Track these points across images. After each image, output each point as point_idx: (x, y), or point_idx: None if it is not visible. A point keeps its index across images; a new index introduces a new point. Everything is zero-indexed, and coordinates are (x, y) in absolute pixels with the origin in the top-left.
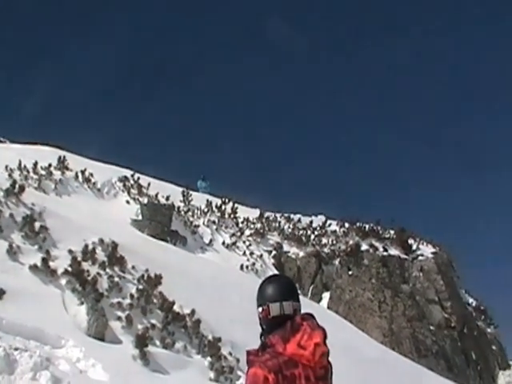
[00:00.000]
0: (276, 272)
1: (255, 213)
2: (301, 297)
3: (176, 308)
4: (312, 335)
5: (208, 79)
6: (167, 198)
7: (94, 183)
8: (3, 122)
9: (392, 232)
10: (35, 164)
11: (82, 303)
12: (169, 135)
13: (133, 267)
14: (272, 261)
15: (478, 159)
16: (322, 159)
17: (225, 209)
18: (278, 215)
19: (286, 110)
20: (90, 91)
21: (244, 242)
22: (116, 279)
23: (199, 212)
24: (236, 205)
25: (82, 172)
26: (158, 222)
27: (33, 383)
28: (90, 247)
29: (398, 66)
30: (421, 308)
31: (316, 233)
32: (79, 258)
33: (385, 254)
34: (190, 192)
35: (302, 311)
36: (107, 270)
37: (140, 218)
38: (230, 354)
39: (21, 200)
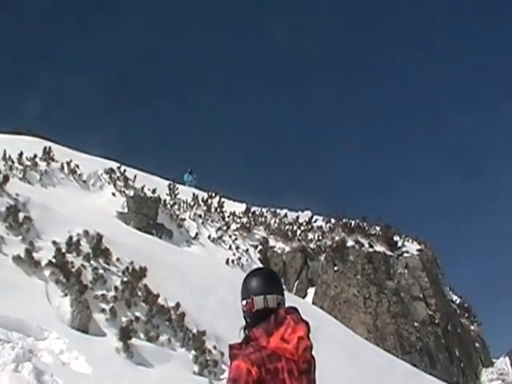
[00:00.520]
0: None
1: (241, 207)
2: (286, 292)
3: (160, 301)
4: (295, 329)
5: (207, 80)
6: (153, 191)
7: (80, 175)
8: (3, 122)
9: (378, 228)
10: (20, 154)
11: (65, 295)
12: (157, 129)
13: (117, 259)
14: (258, 255)
15: (465, 157)
16: (310, 155)
17: (211, 203)
18: (264, 210)
19: (277, 108)
20: (89, 92)
21: (230, 237)
22: (100, 271)
23: (185, 205)
24: (222, 199)
25: (68, 163)
26: (144, 214)
27: (15, 375)
28: (75, 239)
29: (398, 66)
30: (405, 305)
31: (302, 228)
32: (63, 250)
33: (370, 250)
34: (177, 185)
35: (287, 306)
36: (92, 261)
37: (126, 210)
38: (215, 347)
39: (5, 190)
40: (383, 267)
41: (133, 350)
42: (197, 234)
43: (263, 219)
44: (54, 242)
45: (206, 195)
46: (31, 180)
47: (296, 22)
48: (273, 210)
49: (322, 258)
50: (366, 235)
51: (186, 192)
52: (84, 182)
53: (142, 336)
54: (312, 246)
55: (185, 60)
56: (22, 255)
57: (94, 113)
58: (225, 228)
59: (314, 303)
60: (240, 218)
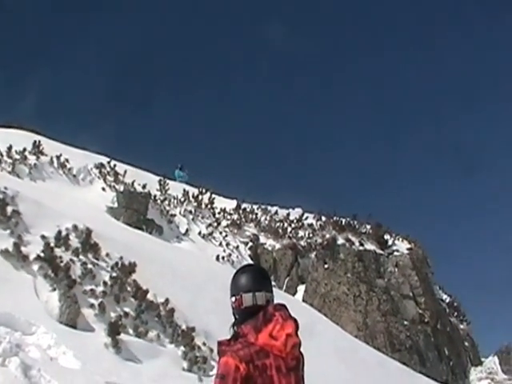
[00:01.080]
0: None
1: (232, 204)
2: (276, 289)
3: (150, 296)
4: (284, 326)
5: (204, 79)
6: (144, 187)
7: (70, 169)
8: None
9: (368, 227)
10: (9, 148)
11: (54, 289)
12: (152, 126)
13: (107, 254)
14: (248, 252)
15: (458, 156)
16: (301, 153)
17: (202, 199)
18: (255, 207)
19: (269, 106)
20: (87, 89)
21: (220, 233)
22: (89, 266)
23: (176, 201)
24: (213, 195)
25: (58, 157)
26: (134, 210)
27: (2, 369)
28: (64, 233)
29: (398, 67)
30: (395, 303)
31: (293, 225)
32: (52, 244)
33: (361, 248)
34: (167, 181)
35: (275, 303)
36: (80, 256)
37: (116, 205)
38: (204, 343)
39: None
40: (373, 265)
41: (121, 345)
42: (187, 230)
43: (254, 216)
44: (43, 237)
45: (196, 191)
46: (20, 174)
47: (295, 22)
48: (263, 206)
49: (313, 255)
50: (357, 233)
51: (176, 188)
52: (74, 176)
53: (130, 332)
54: (302, 243)
55: (183, 60)
56: (10, 249)
57: (91, 110)
58: (215, 224)
59: (304, 300)
60: (230, 214)
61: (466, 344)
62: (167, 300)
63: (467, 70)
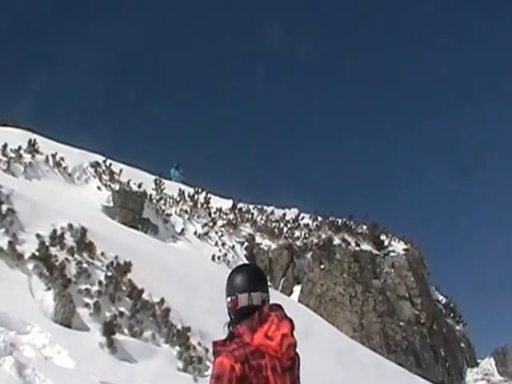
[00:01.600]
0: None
1: (228, 203)
2: (271, 289)
3: (145, 296)
4: (279, 326)
5: (202, 79)
6: (139, 186)
7: (65, 168)
8: None
9: (364, 227)
10: (4, 146)
11: (48, 289)
12: (149, 126)
13: (102, 254)
14: (244, 252)
15: (454, 157)
16: (298, 153)
17: (197, 198)
18: (251, 206)
19: (266, 106)
20: (85, 88)
21: (216, 233)
22: (84, 265)
23: (171, 201)
24: (209, 195)
25: (53, 156)
26: (130, 209)
27: None
28: (59, 232)
29: (397, 67)
30: (391, 304)
31: (289, 225)
32: (47, 243)
33: (357, 248)
34: (163, 180)
35: (271, 303)
36: (76, 255)
37: (111, 204)
38: (199, 343)
39: None
40: (369, 266)
41: (116, 345)
42: (183, 229)
43: (250, 216)
44: (38, 235)
45: (192, 191)
46: (15, 172)
47: (294, 23)
48: (259, 206)
49: (309, 255)
50: (353, 234)
51: (172, 187)
52: (69, 175)
53: (125, 331)
54: (298, 243)
55: (181, 60)
56: (5, 248)
57: (88, 109)
58: (211, 224)
59: (299, 301)
60: (226, 214)
61: (462, 345)
62: (162, 300)
63: (467, 70)
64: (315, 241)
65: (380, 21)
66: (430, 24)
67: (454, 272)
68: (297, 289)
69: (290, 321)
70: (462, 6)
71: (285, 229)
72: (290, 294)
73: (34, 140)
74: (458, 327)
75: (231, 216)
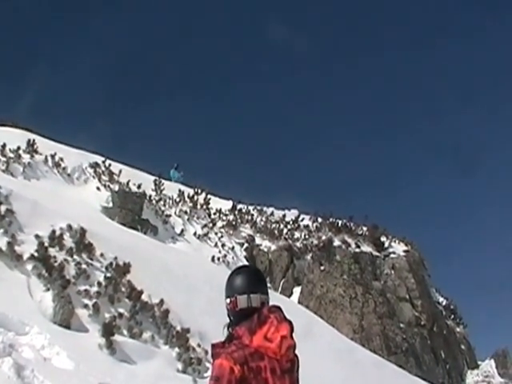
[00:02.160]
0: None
1: (228, 204)
2: (271, 291)
3: (144, 297)
4: (279, 328)
5: (205, 80)
6: (139, 186)
7: (64, 168)
8: None
9: (365, 229)
10: (3, 146)
11: (47, 289)
12: (148, 126)
13: (101, 255)
14: (244, 253)
15: (455, 157)
16: (298, 153)
17: (197, 199)
18: (250, 208)
19: (266, 106)
20: (84, 88)
21: (216, 234)
22: (83, 266)
23: (171, 201)
24: (209, 196)
25: (52, 156)
26: (129, 209)
27: None
28: (58, 233)
29: (397, 67)
30: (391, 305)
31: (289, 227)
32: (46, 244)
33: (357, 250)
34: (163, 181)
35: (270, 304)
36: (75, 256)
37: (110, 205)
38: (199, 345)
39: None
40: (370, 267)
41: (115, 346)
42: (182, 230)
43: (249, 217)
44: (37, 236)
45: (192, 191)
46: (14, 172)
47: (295, 22)
48: (259, 207)
49: (309, 257)
50: (353, 235)
51: (171, 188)
52: (68, 175)
53: (125, 332)
54: (298, 244)
55: (182, 59)
56: (4, 248)
57: (87, 109)
58: (211, 225)
59: (299, 302)
60: (226, 215)
61: (463, 347)
62: (162, 301)
63: (466, 70)
64: (315, 242)
65: (380, 20)
66: (430, 24)
67: (454, 273)
68: (297, 290)
69: (290, 323)
70: (462, 6)
71: (285, 230)
72: (289, 296)
73: (33, 140)
74: (458, 329)
75: (231, 217)
